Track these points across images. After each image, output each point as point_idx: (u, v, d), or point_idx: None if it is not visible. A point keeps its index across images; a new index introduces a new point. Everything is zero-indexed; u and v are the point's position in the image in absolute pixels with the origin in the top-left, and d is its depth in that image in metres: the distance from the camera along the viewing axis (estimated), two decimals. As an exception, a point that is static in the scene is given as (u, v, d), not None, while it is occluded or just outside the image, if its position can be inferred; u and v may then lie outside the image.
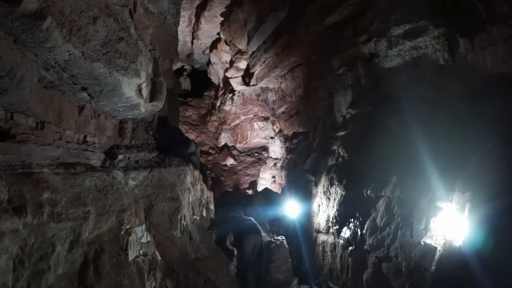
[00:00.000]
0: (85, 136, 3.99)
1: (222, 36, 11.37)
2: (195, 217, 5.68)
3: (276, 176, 10.71)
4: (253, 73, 10.64)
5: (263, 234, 7.29)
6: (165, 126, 6.18)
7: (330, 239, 6.37)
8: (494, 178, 3.56)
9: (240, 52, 10.62)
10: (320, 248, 6.67)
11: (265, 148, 12.56)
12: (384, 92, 5.94)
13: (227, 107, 12.73)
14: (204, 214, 6.25)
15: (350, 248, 5.67)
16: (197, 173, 6.26)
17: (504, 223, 3.29)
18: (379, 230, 5.05)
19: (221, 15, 10.41)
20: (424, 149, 4.56)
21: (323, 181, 7.03)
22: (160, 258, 3.80)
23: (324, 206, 6.88)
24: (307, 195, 7.59)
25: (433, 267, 3.85)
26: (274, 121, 11.67)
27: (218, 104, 13.62)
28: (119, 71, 3.50)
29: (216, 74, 13.85)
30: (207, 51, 13.22)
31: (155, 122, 5.95)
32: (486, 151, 3.74)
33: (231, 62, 11.45)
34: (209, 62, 13.94)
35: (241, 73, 11.41)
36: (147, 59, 4.23)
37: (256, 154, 12.93)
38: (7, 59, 2.41)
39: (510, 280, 3.12)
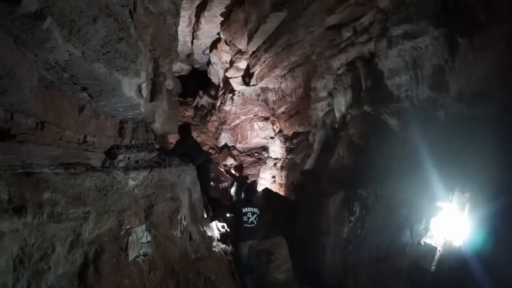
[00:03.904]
0: (85, 136, 3.98)
1: (222, 36, 11.36)
2: (195, 217, 5.68)
3: (276, 176, 10.71)
4: (253, 73, 10.64)
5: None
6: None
7: (331, 239, 6.37)
8: (494, 178, 3.57)
9: (240, 52, 10.62)
10: (320, 248, 6.67)
11: (265, 148, 12.55)
12: (384, 92, 5.94)
13: (227, 107, 12.73)
14: (204, 214, 6.25)
15: (350, 248, 5.67)
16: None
17: (504, 223, 3.30)
18: (379, 230, 5.05)
19: (221, 15, 10.41)
20: (424, 149, 4.56)
21: (324, 181, 7.02)
22: (160, 258, 3.80)
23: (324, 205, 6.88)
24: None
25: (433, 267, 3.85)
26: (274, 121, 11.66)
27: (218, 104, 13.62)
28: (119, 71, 3.50)
29: (216, 74, 13.85)
30: (207, 51, 13.21)
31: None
32: (486, 151, 3.74)
33: (231, 62, 11.44)
34: (209, 62, 13.93)
35: (241, 73, 11.40)
36: (147, 59, 4.22)
37: (256, 154, 12.92)
38: (7, 59, 2.41)
39: (510, 280, 3.12)
